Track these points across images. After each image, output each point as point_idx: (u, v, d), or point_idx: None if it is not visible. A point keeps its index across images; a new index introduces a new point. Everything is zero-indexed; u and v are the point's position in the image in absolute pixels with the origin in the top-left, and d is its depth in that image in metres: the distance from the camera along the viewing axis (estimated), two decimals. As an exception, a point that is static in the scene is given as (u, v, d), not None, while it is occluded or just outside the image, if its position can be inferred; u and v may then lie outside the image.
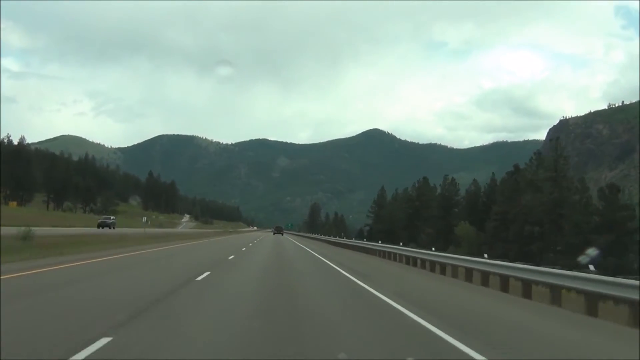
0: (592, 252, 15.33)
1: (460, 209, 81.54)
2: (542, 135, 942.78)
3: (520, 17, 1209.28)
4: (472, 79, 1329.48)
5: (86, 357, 5.85)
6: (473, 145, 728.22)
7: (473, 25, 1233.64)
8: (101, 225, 71.45)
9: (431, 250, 26.22)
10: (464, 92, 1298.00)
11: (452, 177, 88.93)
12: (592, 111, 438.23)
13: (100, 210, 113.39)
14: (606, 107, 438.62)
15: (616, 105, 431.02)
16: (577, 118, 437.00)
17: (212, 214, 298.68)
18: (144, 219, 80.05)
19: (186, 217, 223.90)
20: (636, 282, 10.15)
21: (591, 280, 11.57)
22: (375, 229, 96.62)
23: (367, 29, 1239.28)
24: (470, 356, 6.63)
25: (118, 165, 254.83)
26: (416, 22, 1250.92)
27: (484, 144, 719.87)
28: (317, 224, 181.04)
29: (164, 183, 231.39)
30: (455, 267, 20.36)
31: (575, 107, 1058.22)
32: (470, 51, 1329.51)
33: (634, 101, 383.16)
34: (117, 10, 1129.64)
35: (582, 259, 14.42)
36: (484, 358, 6.51)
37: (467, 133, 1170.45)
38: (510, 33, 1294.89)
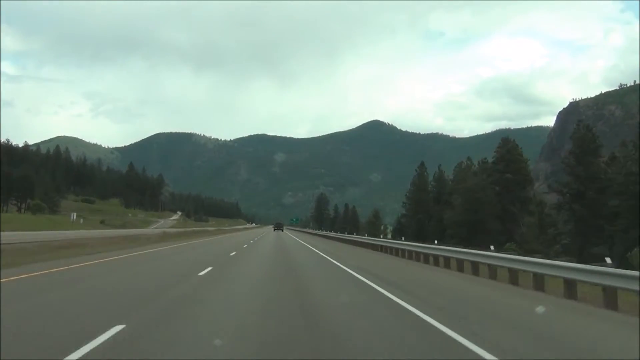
0: None
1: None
2: (542, 122, 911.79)
3: (518, 3, 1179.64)
4: (470, 68, 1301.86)
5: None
6: (475, 134, 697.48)
7: (470, 13, 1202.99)
8: None
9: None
10: (462, 82, 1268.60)
11: (587, 124, 57.37)
12: (603, 92, 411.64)
13: (38, 208, 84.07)
14: (617, 88, 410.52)
15: (628, 85, 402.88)
16: (587, 100, 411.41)
17: (208, 211, 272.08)
18: (73, 215, 50.75)
19: (177, 215, 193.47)
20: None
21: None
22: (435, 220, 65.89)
23: (363, 20, 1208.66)
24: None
25: (100, 160, 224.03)
26: (412, 12, 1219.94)
27: (485, 132, 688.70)
28: (324, 218, 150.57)
29: (151, 178, 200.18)
30: None
31: (574, 93, 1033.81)
32: (467, 40, 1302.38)
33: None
34: (110, 10, 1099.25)
35: None
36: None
37: (466, 123, 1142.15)
38: (508, 20, 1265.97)
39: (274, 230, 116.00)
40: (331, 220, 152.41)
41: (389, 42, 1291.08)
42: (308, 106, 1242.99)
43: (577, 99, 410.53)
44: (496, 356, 5.96)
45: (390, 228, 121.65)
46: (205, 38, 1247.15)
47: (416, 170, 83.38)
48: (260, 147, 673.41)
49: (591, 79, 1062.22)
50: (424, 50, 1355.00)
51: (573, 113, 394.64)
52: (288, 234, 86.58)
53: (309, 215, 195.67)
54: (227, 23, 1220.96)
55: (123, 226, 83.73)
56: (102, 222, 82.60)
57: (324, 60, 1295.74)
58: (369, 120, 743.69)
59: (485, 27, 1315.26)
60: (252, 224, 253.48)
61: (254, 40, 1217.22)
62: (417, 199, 76.09)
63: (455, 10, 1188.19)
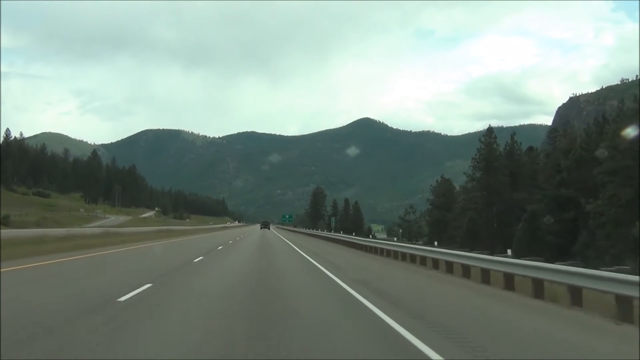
0: None
1: None
2: (533, 121, 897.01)
3: (509, 3, 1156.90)
4: (461, 66, 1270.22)
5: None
6: (466, 132, 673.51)
7: (461, 12, 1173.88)
8: None
9: None
10: (453, 80, 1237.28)
11: None
12: (604, 87, 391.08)
13: None
14: (619, 83, 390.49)
15: (629, 80, 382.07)
16: (588, 95, 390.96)
17: (192, 208, 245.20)
18: None
19: (151, 212, 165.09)
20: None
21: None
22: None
23: (354, 18, 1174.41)
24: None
25: (67, 150, 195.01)
26: (404, 10, 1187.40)
27: (477, 130, 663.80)
28: (321, 215, 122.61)
29: (122, 170, 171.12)
30: None
31: (565, 92, 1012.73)
32: (458, 39, 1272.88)
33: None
34: (99, 7, 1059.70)
35: None
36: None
37: (457, 121, 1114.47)
38: (499, 19, 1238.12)
39: (261, 228, 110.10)
40: (329, 218, 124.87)
41: (379, 40, 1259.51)
42: (298, 104, 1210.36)
43: (577, 94, 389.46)
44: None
45: (382, 228, 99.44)
46: (195, 35, 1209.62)
47: (480, 140, 56.35)
48: (249, 144, 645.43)
49: (582, 78, 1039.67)
50: (415, 49, 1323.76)
51: (573, 108, 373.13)
52: (282, 238, 59.05)
53: (303, 212, 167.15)
54: (217, 20, 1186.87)
55: (37, 224, 56.07)
56: (4, 218, 54.77)
57: (315, 58, 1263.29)
58: (359, 118, 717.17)
59: (476, 26, 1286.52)
60: (235, 222, 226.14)
61: (244, 38, 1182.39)
62: (486, 183, 49.06)
63: (447, 9, 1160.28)
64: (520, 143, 56.00)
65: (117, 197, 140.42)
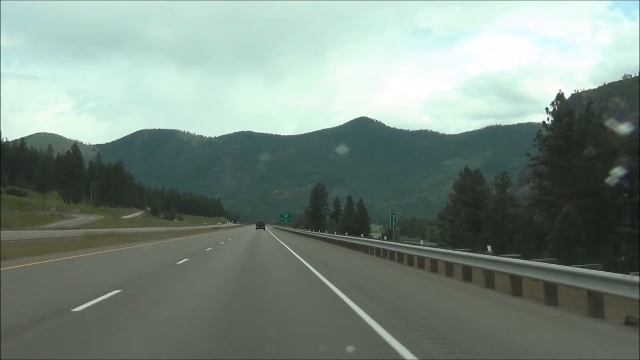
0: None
1: None
2: (530, 119, 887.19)
3: (506, 1, 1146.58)
4: (457, 65, 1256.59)
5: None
6: (463, 131, 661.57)
7: (458, 11, 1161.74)
8: None
9: None
10: (450, 79, 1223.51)
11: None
12: (606, 83, 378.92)
13: None
14: (621, 79, 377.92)
15: (632, 77, 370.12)
16: (590, 92, 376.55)
17: (186, 208, 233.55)
18: None
19: (138, 213, 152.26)
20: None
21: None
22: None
23: (350, 17, 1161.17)
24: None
25: (51, 146, 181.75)
26: (400, 9, 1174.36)
27: (474, 129, 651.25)
28: (322, 215, 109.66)
29: (107, 166, 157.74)
30: None
31: (562, 91, 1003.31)
32: (455, 38, 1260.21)
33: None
34: (94, 7, 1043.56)
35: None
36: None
37: (453, 121, 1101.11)
38: (496, 18, 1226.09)
39: (256, 229, 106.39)
40: (331, 217, 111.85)
41: (376, 39, 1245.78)
42: (294, 103, 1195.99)
43: (579, 91, 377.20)
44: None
45: (380, 228, 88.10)
46: (191, 35, 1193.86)
47: (547, 109, 43.06)
48: (245, 144, 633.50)
49: (579, 77, 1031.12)
50: (412, 48, 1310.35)
51: (575, 105, 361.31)
52: (286, 247, 45.44)
53: (302, 211, 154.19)
54: (212, 20, 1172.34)
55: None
56: None
57: (311, 57, 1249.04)
58: (356, 117, 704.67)
59: (473, 25, 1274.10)
60: (228, 222, 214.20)
61: (240, 37, 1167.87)
62: (567, 167, 36.34)
63: (443, 8, 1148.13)
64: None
65: (92, 195, 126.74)
